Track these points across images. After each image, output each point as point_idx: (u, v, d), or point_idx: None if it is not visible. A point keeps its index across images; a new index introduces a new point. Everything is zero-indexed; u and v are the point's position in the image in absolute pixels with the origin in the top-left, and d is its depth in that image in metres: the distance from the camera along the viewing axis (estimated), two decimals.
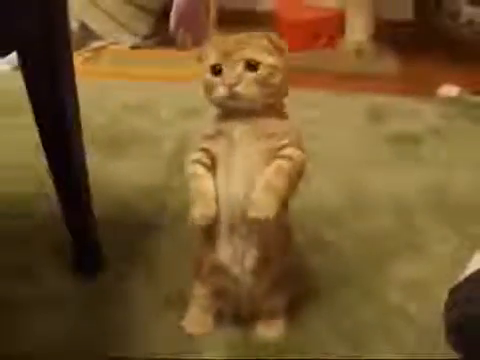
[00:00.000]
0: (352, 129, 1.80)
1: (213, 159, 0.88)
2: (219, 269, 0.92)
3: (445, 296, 0.96)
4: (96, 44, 2.55)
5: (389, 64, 2.49)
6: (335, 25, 2.63)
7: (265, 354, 0.95)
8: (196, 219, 0.85)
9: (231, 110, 0.87)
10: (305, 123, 1.73)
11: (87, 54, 2.45)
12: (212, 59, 0.85)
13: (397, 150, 1.66)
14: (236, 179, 0.86)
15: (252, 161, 0.86)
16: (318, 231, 1.27)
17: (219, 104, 0.88)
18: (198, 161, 0.88)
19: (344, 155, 1.62)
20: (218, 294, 0.97)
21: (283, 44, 0.87)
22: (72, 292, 1.07)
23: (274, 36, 0.86)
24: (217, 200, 0.86)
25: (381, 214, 1.34)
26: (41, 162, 1.04)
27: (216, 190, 0.87)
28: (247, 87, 0.83)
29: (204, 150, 0.89)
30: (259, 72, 0.83)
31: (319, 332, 0.99)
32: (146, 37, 2.67)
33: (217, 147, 0.88)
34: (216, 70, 0.85)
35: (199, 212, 0.85)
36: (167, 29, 2.70)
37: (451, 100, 2.03)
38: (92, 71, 2.23)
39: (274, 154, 0.86)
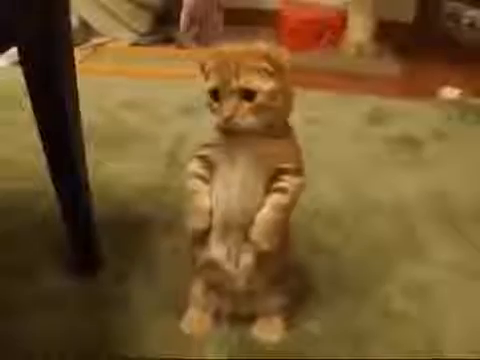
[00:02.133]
0: (352, 131, 1.80)
1: (211, 166, 0.89)
2: (213, 265, 0.92)
3: (446, 299, 0.95)
4: (96, 41, 2.54)
5: (390, 64, 2.49)
6: (337, 25, 2.63)
7: (263, 355, 0.94)
8: (191, 230, 0.91)
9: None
10: (306, 124, 1.74)
11: (87, 51, 2.44)
12: (211, 83, 0.83)
13: (397, 153, 1.66)
14: (233, 192, 0.87)
15: (251, 179, 0.87)
16: (318, 233, 1.26)
17: (219, 127, 0.87)
18: (196, 175, 0.90)
19: (344, 157, 1.61)
20: (214, 290, 0.97)
21: (284, 61, 0.82)
22: (71, 291, 1.06)
23: (274, 52, 0.81)
24: (211, 212, 0.89)
25: (381, 217, 1.33)
26: (40, 159, 1.03)
27: (213, 197, 0.89)
28: (244, 117, 0.82)
29: (202, 158, 0.90)
30: (257, 101, 0.81)
31: (317, 335, 0.98)
32: (145, 34, 2.66)
33: (216, 156, 0.88)
34: (215, 96, 0.83)
35: (195, 225, 0.90)
36: (166, 26, 2.71)
37: (452, 102, 2.02)
38: (91, 68, 2.21)
39: (273, 174, 0.87)
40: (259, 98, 0.81)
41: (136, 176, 1.47)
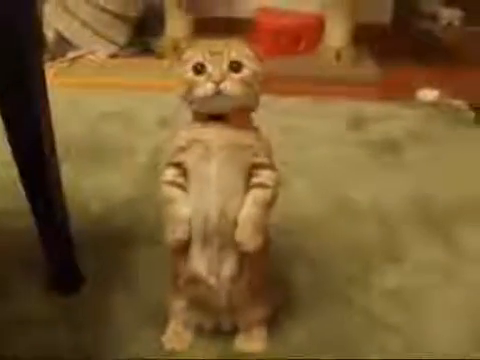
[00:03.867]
0: (332, 137, 1.79)
1: (186, 172, 0.87)
2: (195, 280, 0.90)
3: (429, 303, 0.95)
4: (72, 54, 2.52)
5: (368, 69, 2.50)
6: (314, 30, 2.63)
7: None
8: (170, 241, 0.89)
9: (206, 118, 0.86)
10: (285, 130, 1.74)
11: (63, 64, 2.42)
12: (196, 58, 0.84)
13: (378, 157, 1.66)
14: (210, 192, 0.86)
15: (227, 174, 0.85)
16: (297, 240, 1.25)
17: (201, 103, 0.85)
18: (171, 183, 0.88)
19: (322, 163, 1.61)
20: (197, 306, 0.95)
21: (260, 54, 0.87)
22: (50, 308, 1.04)
23: (253, 47, 0.87)
24: (190, 220, 0.87)
25: (361, 222, 1.33)
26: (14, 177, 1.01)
27: (189, 203, 0.87)
28: (233, 85, 0.82)
29: (177, 165, 0.88)
30: (244, 73, 0.83)
31: (301, 344, 0.97)
32: (124, 46, 2.64)
33: (191, 157, 0.87)
34: (199, 69, 0.83)
35: (173, 236, 0.88)
36: (145, 37, 2.70)
37: (430, 104, 2.03)
38: (68, 81, 2.20)
39: (249, 170, 0.86)
40: (246, 71, 0.83)
41: (114, 189, 1.45)
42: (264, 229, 0.89)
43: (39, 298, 1.07)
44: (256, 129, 0.90)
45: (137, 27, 2.74)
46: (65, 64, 2.43)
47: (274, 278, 1.03)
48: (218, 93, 0.82)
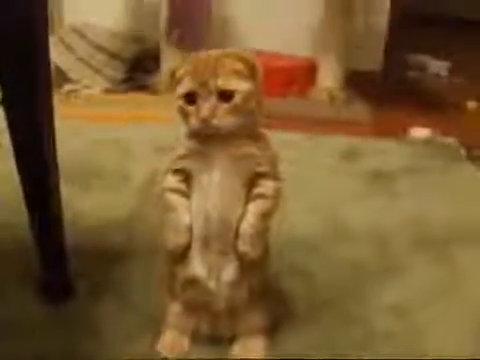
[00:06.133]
0: (327, 167, 1.80)
1: (188, 177, 0.87)
2: (193, 283, 0.89)
3: (430, 318, 0.93)
4: (69, 87, 2.54)
5: (360, 111, 2.54)
6: (307, 73, 2.68)
7: None
8: (169, 247, 0.88)
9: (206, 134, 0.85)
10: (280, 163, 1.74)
11: (59, 97, 2.43)
12: (185, 87, 0.82)
13: (372, 186, 1.66)
14: (212, 198, 0.85)
15: (229, 182, 0.85)
16: (298, 259, 1.23)
17: (195, 131, 0.85)
18: (173, 189, 0.87)
19: (319, 190, 1.61)
20: (193, 310, 0.92)
21: (257, 64, 0.84)
22: (40, 317, 1.01)
23: (248, 56, 0.83)
24: (190, 228, 0.87)
25: (360, 243, 1.32)
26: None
27: (192, 209, 0.87)
28: (222, 118, 0.81)
29: (178, 172, 0.87)
30: (234, 101, 0.81)
31: (300, 353, 0.94)
32: (119, 83, 2.67)
33: (192, 165, 0.86)
34: (190, 99, 0.82)
35: (172, 242, 0.88)
36: (140, 74, 2.73)
37: (422, 141, 2.06)
38: (64, 112, 2.20)
39: (252, 178, 0.86)
40: (236, 99, 0.81)
41: (109, 209, 1.43)
42: (264, 237, 0.88)
43: (31, 306, 1.03)
44: (260, 137, 0.88)
45: (132, 66, 2.78)
46: (60, 97, 2.44)
47: (272, 291, 1.00)
48: (207, 128, 0.82)
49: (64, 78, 2.58)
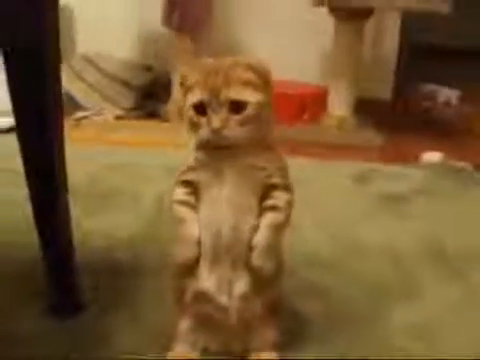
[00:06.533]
0: (340, 190, 1.79)
1: (197, 189, 0.85)
2: (203, 298, 0.86)
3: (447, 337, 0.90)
4: (80, 114, 2.55)
5: (371, 137, 2.53)
6: (318, 100, 2.69)
7: None
8: (178, 260, 0.87)
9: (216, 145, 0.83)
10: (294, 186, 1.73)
11: (71, 123, 2.45)
12: (196, 97, 0.80)
13: (386, 207, 1.64)
14: (222, 210, 0.83)
15: (239, 195, 0.83)
16: (310, 277, 1.20)
17: (204, 142, 0.83)
18: (182, 202, 0.85)
19: (334, 210, 1.60)
20: (204, 326, 0.89)
21: (269, 73, 0.82)
22: (49, 332, 0.98)
23: (261, 65, 0.81)
24: (199, 240, 0.85)
25: (374, 261, 1.29)
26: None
27: (201, 221, 0.85)
28: (233, 130, 0.79)
29: (187, 184, 0.85)
30: (246, 112, 0.79)
31: None
32: (130, 110, 2.69)
33: (201, 176, 0.84)
34: (200, 109, 0.80)
35: (182, 255, 0.86)
36: (151, 102, 2.75)
37: (434, 165, 2.03)
38: (75, 137, 2.21)
39: (263, 191, 0.84)
40: (248, 110, 0.79)
41: (119, 229, 1.41)
42: (278, 250, 0.86)
43: (40, 322, 1.01)
44: (271, 149, 0.86)
45: (143, 94, 2.80)
46: (72, 123, 2.45)
47: (286, 308, 0.97)
48: (218, 139, 0.80)
49: (76, 105, 2.60)
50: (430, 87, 3.31)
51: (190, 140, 0.87)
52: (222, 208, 0.83)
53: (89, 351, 0.94)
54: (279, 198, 0.84)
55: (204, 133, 0.81)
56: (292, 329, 0.98)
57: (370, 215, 1.57)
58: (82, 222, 1.38)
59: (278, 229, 0.84)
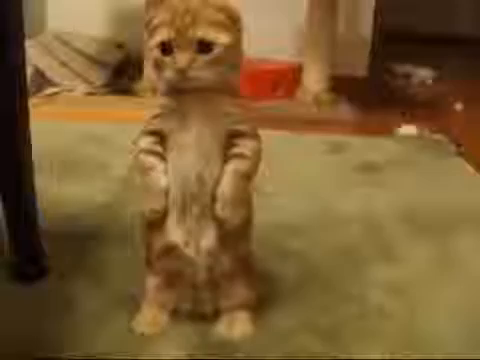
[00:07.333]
0: (316, 161, 1.76)
1: (163, 138, 0.81)
2: (171, 252, 0.83)
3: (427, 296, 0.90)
4: (50, 90, 2.48)
5: (345, 112, 2.50)
6: (292, 76, 2.66)
7: (228, 354, 0.83)
8: (146, 213, 0.83)
9: (182, 88, 0.79)
10: (269, 157, 1.69)
11: (40, 100, 2.38)
12: (161, 35, 0.76)
13: (361, 177, 1.62)
14: (189, 158, 0.80)
15: (206, 141, 0.80)
16: (288, 242, 1.18)
17: (169, 84, 0.80)
18: (147, 150, 0.82)
19: (307, 179, 1.57)
20: (173, 284, 0.86)
21: (239, 15, 0.79)
22: (12, 297, 0.95)
23: (229, 7, 0.78)
24: (167, 190, 0.81)
25: (352, 227, 1.28)
26: None
27: (168, 171, 0.81)
28: (199, 70, 0.76)
29: (153, 133, 0.82)
30: (213, 53, 0.76)
31: (288, 330, 0.88)
32: (101, 87, 2.62)
33: (168, 124, 0.81)
34: (166, 48, 0.76)
35: (149, 207, 0.82)
36: (123, 79, 2.69)
37: (410, 137, 2.02)
38: (45, 112, 2.15)
39: (228, 136, 0.81)
40: (216, 51, 0.76)
41: (89, 196, 1.38)
42: (246, 202, 0.83)
43: (3, 287, 0.98)
44: (238, 95, 0.82)
45: (115, 71, 2.73)
46: (41, 100, 2.38)
47: (260, 271, 0.95)
48: (184, 79, 0.76)
49: (46, 81, 2.53)
50: (406, 67, 3.30)
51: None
52: (188, 155, 0.80)
53: (54, 315, 0.90)
54: (246, 146, 0.81)
55: (169, 74, 0.77)
56: (266, 290, 0.96)
57: (345, 184, 1.55)
58: (49, 189, 1.33)
59: (244, 178, 0.81)
